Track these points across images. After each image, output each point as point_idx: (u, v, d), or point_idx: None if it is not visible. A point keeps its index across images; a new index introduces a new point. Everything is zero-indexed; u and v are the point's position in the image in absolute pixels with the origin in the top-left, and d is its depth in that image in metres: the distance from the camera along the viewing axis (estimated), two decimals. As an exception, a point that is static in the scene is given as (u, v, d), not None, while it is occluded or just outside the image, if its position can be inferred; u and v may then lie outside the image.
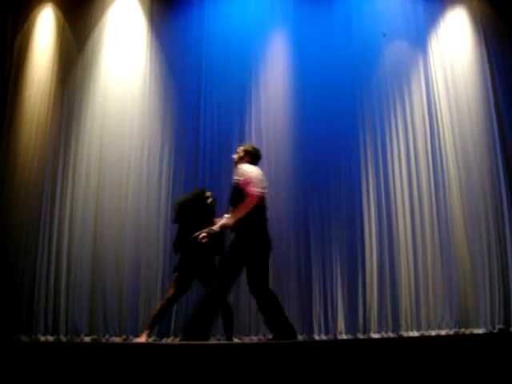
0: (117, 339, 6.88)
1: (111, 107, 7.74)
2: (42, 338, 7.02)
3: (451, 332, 6.85)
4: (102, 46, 8.01)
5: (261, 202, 4.94)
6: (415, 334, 6.85)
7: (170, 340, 6.88)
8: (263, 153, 7.36)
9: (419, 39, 7.92)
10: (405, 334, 6.86)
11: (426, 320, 6.95)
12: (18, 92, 7.94)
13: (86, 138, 7.66)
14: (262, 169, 7.19)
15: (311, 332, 6.94)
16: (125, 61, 7.93)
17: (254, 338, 6.88)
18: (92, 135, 7.66)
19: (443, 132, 7.53)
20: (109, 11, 8.15)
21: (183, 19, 8.14)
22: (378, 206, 7.36)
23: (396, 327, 6.94)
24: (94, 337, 6.99)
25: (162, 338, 6.95)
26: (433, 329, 6.91)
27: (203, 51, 7.94)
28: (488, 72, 7.85)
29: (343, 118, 7.60)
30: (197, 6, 8.17)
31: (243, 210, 4.77)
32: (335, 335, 6.89)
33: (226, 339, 5.55)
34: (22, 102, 7.89)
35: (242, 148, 5.24)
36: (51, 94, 7.87)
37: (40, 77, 7.96)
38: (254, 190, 4.81)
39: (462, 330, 6.93)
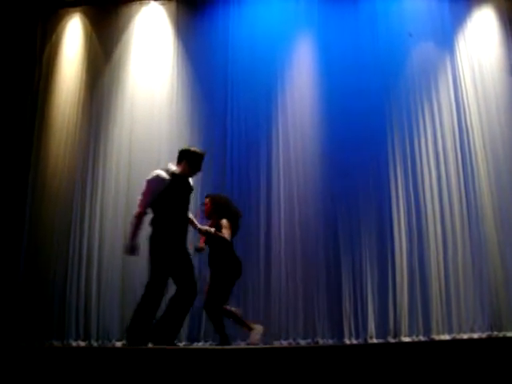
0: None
1: (139, 114, 7.82)
2: (74, 344, 7.10)
3: (484, 335, 6.72)
4: (129, 53, 8.11)
5: None
6: (446, 337, 6.75)
7: (200, 344, 6.89)
8: (291, 157, 7.43)
9: (446, 39, 7.83)
10: (436, 337, 6.76)
11: (457, 323, 6.84)
12: (48, 101, 8.09)
13: (115, 145, 7.76)
14: (290, 173, 7.19)
15: (341, 336, 6.89)
16: (152, 68, 8.02)
17: (284, 343, 6.87)
18: (121, 142, 7.76)
19: (472, 132, 7.42)
20: (135, 19, 8.25)
21: (208, 24, 8.18)
22: (408, 208, 7.28)
23: (427, 330, 6.84)
24: (125, 342, 7.03)
25: (192, 342, 6.98)
26: (464, 332, 6.78)
27: (229, 56, 7.97)
28: (517, 70, 7.74)
29: (371, 120, 7.54)
30: (222, 11, 8.21)
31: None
32: (365, 339, 6.83)
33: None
34: (51, 110, 8.04)
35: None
36: (80, 102, 8.00)
37: (69, 86, 8.10)
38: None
39: (495, 333, 6.79)
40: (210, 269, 5.71)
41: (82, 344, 7.07)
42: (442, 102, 7.60)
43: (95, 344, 7.05)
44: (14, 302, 7.27)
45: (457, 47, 7.78)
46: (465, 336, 6.73)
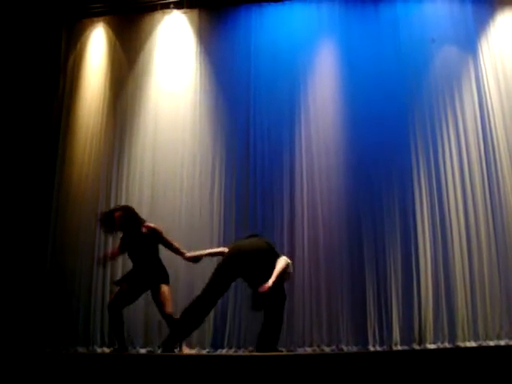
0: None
1: (163, 123, 7.88)
2: (99, 350, 7.15)
3: (511, 342, 6.63)
4: (153, 62, 8.19)
5: None
6: (472, 344, 6.65)
7: (224, 351, 6.90)
8: (314, 163, 7.43)
9: (469, 43, 7.75)
10: (462, 344, 6.67)
11: (483, 330, 6.73)
12: (72, 110, 8.21)
13: (139, 153, 7.84)
14: (313, 180, 7.19)
15: (366, 343, 6.84)
16: (175, 76, 8.08)
17: (308, 350, 6.84)
18: (144, 151, 7.83)
19: (497, 137, 7.33)
20: (158, 28, 8.32)
21: (231, 32, 8.22)
22: (432, 213, 7.22)
23: (452, 337, 6.75)
24: (150, 348, 7.07)
25: (216, 349, 6.99)
26: (491, 339, 6.67)
27: (251, 63, 7.99)
28: (542, 73, 7.64)
29: (394, 125, 7.51)
30: (243, 19, 8.25)
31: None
32: (390, 346, 6.78)
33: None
34: (76, 119, 8.16)
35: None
36: (104, 111, 8.10)
37: (93, 94, 8.20)
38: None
39: (523, 340, 6.71)
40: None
41: (107, 350, 7.12)
42: (465, 107, 7.52)
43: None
44: (39, 308, 7.35)
45: (480, 52, 7.69)
46: (491, 343, 6.63)
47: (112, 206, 7.64)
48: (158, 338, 7.08)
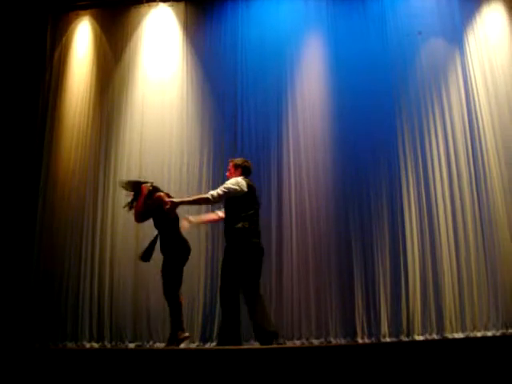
0: (161, 345, 6.94)
1: (149, 116, 7.87)
2: (88, 345, 7.14)
3: (498, 333, 6.68)
4: (139, 55, 8.17)
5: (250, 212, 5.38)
6: (460, 335, 6.71)
7: (213, 345, 6.90)
8: (301, 156, 7.44)
9: (455, 36, 7.78)
10: (449, 335, 6.73)
11: (471, 321, 6.79)
12: (58, 103, 8.17)
13: (126, 146, 7.82)
14: (300, 173, 7.23)
15: (354, 336, 6.87)
16: (161, 69, 8.07)
17: (297, 342, 6.87)
18: (131, 144, 7.81)
19: (483, 130, 7.36)
20: (144, 21, 8.30)
21: (217, 25, 8.21)
22: (419, 206, 7.25)
23: (440, 329, 6.80)
24: (139, 343, 7.07)
25: (205, 342, 7.00)
26: (478, 330, 6.73)
27: (238, 56, 7.99)
28: (528, 66, 7.68)
29: (381, 118, 7.53)
30: (230, 11, 8.24)
31: (192, 201, 5.57)
32: (378, 338, 6.82)
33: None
34: (62, 112, 8.13)
35: (231, 163, 5.75)
36: (90, 104, 8.08)
37: (79, 88, 8.17)
38: (209, 195, 5.34)
39: (510, 330, 6.75)
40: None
41: (96, 345, 7.11)
42: (452, 99, 7.55)
43: (108, 345, 7.09)
44: (27, 303, 7.34)
45: (466, 44, 7.72)
46: (479, 334, 6.69)
47: (99, 198, 7.65)
48: (147, 332, 7.09)
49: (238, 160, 5.78)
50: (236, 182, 5.44)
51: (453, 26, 7.80)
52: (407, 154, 7.43)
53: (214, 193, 5.33)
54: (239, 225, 5.28)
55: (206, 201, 5.44)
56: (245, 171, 5.66)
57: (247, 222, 5.32)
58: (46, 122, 8.08)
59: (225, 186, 5.38)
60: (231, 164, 5.75)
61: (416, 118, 7.54)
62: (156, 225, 5.74)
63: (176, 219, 5.72)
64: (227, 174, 5.76)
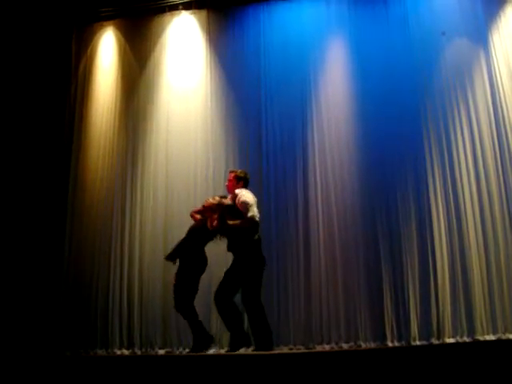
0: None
1: (175, 123, 7.93)
2: (118, 352, 7.20)
3: (530, 335, 6.58)
4: (163, 63, 8.24)
5: (255, 224, 5.59)
6: (491, 337, 6.61)
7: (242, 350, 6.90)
8: (327, 160, 7.42)
9: (480, 35, 7.67)
10: (481, 338, 6.63)
11: (502, 323, 6.69)
12: (84, 114, 8.28)
13: (152, 154, 7.89)
14: (327, 177, 7.19)
15: (384, 339, 6.82)
16: (186, 77, 8.13)
17: (326, 347, 6.84)
18: (157, 152, 7.88)
19: (510, 128, 7.24)
20: (167, 30, 8.37)
21: (240, 31, 8.24)
22: (447, 206, 7.16)
23: (471, 331, 6.70)
24: (168, 349, 7.10)
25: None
26: (510, 332, 6.65)
27: (261, 61, 7.99)
28: (556, 64, 7.56)
29: (406, 120, 7.46)
30: (252, 18, 8.26)
31: (239, 225, 5.50)
32: (409, 341, 6.76)
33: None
34: (88, 123, 8.24)
35: (232, 174, 5.92)
36: (116, 113, 8.17)
37: (105, 97, 8.27)
38: (252, 215, 5.49)
39: (542, 332, 6.65)
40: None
41: (126, 352, 7.16)
42: (478, 99, 7.44)
43: (139, 352, 7.13)
44: (57, 311, 7.43)
45: (491, 44, 7.60)
46: (511, 336, 6.59)
47: (127, 206, 7.73)
48: (176, 338, 7.13)
49: (241, 172, 5.95)
50: (249, 195, 5.64)
51: (477, 26, 7.70)
52: (433, 154, 7.35)
53: (252, 213, 5.49)
54: (256, 237, 5.51)
55: (251, 221, 5.53)
56: (246, 183, 5.84)
57: (258, 233, 5.59)
58: (73, 132, 8.20)
59: (247, 201, 5.54)
60: (233, 175, 5.91)
61: (442, 118, 7.47)
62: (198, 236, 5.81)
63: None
64: (227, 184, 5.93)
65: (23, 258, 7.47)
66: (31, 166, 7.84)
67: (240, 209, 5.53)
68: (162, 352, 7.05)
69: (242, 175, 5.87)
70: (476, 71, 7.56)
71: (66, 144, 8.14)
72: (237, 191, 5.70)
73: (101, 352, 7.22)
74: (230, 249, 5.67)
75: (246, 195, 5.60)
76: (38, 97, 8.09)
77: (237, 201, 5.59)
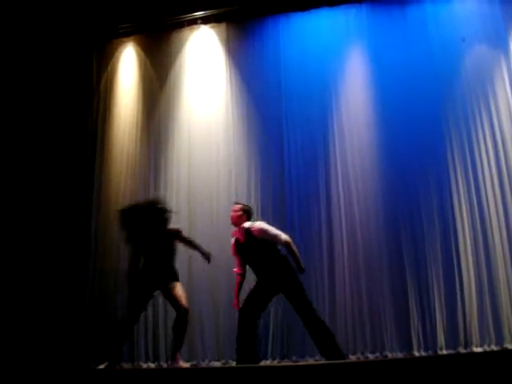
0: (216, 363, 6.97)
1: (196, 138, 7.97)
2: (144, 366, 7.22)
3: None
4: (184, 78, 8.31)
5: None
6: (520, 346, 6.54)
7: (268, 362, 6.89)
8: (349, 170, 7.39)
9: (499, 41, 7.61)
10: (509, 346, 6.54)
11: (531, 330, 6.61)
12: (107, 129, 8.38)
13: (174, 169, 7.94)
14: (349, 188, 7.07)
15: (410, 348, 6.77)
16: (206, 91, 8.18)
17: (352, 357, 6.79)
18: (179, 166, 7.93)
19: (533, 134, 7.21)
20: (187, 44, 8.44)
21: (259, 44, 8.28)
22: (471, 214, 7.10)
23: (499, 339, 6.62)
24: (194, 362, 7.10)
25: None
26: (539, 340, 6.56)
27: (281, 74, 8.02)
28: None
29: (428, 127, 7.42)
30: (271, 30, 8.29)
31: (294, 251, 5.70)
32: (435, 351, 6.69)
33: None
34: (110, 138, 8.32)
35: (239, 207, 6.09)
36: (138, 129, 8.24)
37: (126, 113, 8.35)
38: (285, 237, 5.73)
39: None
40: None
41: (152, 365, 7.18)
42: (500, 106, 7.38)
43: (164, 365, 7.14)
44: (83, 325, 7.48)
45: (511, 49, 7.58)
46: (539, 344, 6.49)
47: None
48: (201, 350, 7.13)
49: (246, 206, 6.19)
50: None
51: (497, 32, 7.65)
52: (456, 162, 7.31)
53: (285, 238, 5.72)
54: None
55: (290, 244, 5.74)
56: (249, 217, 6.05)
57: None
58: (96, 149, 8.29)
59: (271, 229, 5.79)
60: (239, 207, 6.07)
61: (463, 124, 7.42)
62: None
63: None
64: (234, 215, 6.03)
65: (49, 272, 7.56)
66: (55, 183, 7.93)
67: (266, 237, 5.74)
68: (187, 365, 7.04)
69: (247, 208, 6.12)
70: (497, 77, 7.51)
71: (88, 160, 8.23)
72: (248, 224, 5.88)
73: (127, 365, 7.23)
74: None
75: (265, 226, 5.85)
76: (62, 113, 8.19)
77: (257, 233, 5.77)
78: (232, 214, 6.05)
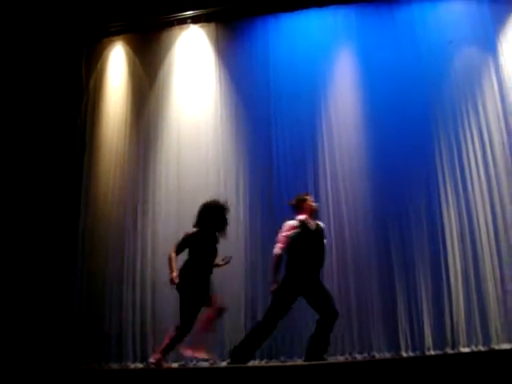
0: (203, 364, 6.95)
1: (185, 137, 7.97)
2: (132, 366, 7.20)
3: (547, 343, 6.51)
4: (173, 77, 8.30)
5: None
6: (507, 346, 6.56)
7: (256, 362, 6.87)
8: (337, 171, 7.39)
9: (488, 43, 7.65)
10: (496, 346, 6.56)
11: (518, 331, 6.65)
12: (96, 128, 8.37)
13: (163, 168, 7.94)
14: (337, 188, 7.03)
15: (398, 349, 6.79)
16: (195, 90, 8.17)
17: (340, 358, 6.81)
18: (169, 166, 7.93)
19: (521, 136, 7.25)
20: (176, 43, 8.43)
21: (248, 44, 8.29)
22: (459, 214, 7.13)
23: (486, 340, 6.65)
24: (182, 362, 7.09)
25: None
26: (526, 340, 6.60)
27: (270, 73, 8.03)
28: None
29: (416, 129, 7.44)
30: (260, 30, 8.30)
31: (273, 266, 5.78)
32: (423, 351, 6.72)
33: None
34: (99, 137, 8.31)
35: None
36: (127, 127, 8.23)
37: (115, 112, 8.34)
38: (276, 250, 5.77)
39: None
40: None
41: (140, 366, 7.16)
42: (488, 107, 7.43)
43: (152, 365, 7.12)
44: (71, 325, 7.45)
45: (500, 50, 7.59)
46: (526, 344, 6.53)
47: (139, 221, 7.75)
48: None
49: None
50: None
51: (485, 33, 7.68)
52: (444, 163, 7.34)
53: (275, 250, 5.77)
54: None
55: (274, 257, 5.81)
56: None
57: None
58: (85, 148, 8.27)
59: (280, 233, 5.84)
60: None
61: (452, 126, 7.46)
62: None
63: None
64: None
65: (37, 271, 7.51)
66: (44, 181, 7.89)
67: None
68: (175, 365, 7.03)
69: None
70: (485, 78, 7.55)
71: (77, 158, 8.20)
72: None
73: (115, 365, 7.21)
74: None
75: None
76: (50, 115, 8.15)
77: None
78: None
